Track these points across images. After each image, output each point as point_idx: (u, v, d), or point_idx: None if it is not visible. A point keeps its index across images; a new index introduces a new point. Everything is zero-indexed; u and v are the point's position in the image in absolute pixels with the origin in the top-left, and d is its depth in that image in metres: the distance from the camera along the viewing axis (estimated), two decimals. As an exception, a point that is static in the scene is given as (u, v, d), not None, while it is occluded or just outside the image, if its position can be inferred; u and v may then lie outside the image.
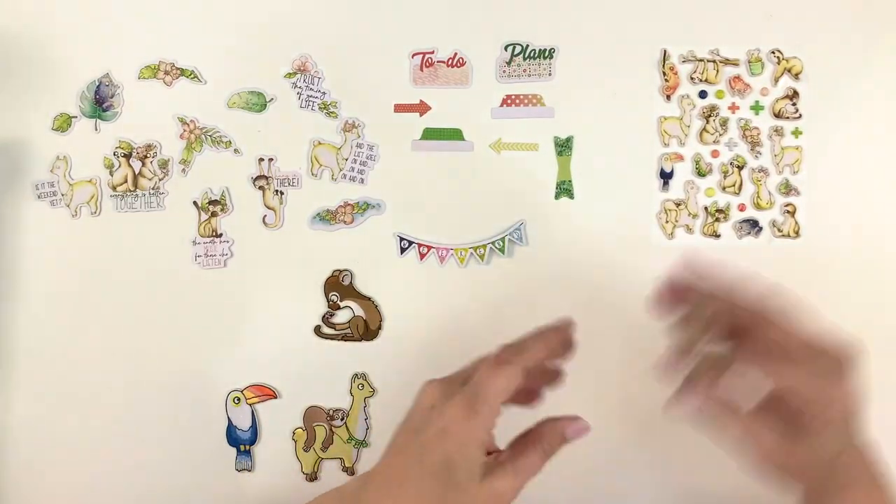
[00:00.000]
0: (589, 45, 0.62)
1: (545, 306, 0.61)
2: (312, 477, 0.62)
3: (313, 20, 0.63)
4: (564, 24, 0.62)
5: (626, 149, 0.61)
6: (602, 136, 0.61)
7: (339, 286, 0.62)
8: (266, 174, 0.62)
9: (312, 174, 0.62)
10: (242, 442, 0.62)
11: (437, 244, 0.62)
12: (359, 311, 0.62)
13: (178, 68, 0.63)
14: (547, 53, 0.62)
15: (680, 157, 0.60)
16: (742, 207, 0.60)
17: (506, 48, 0.62)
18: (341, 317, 0.62)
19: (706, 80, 0.60)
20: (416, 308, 0.62)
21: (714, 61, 0.60)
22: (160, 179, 0.63)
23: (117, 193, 0.63)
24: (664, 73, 0.60)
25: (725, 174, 0.60)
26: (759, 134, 0.60)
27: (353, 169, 0.62)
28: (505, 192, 0.61)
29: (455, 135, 0.62)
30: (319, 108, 0.62)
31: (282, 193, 0.62)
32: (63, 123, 0.63)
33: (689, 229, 0.60)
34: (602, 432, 0.62)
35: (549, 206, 0.61)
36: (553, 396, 0.61)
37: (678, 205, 0.60)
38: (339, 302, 0.62)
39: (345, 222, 0.62)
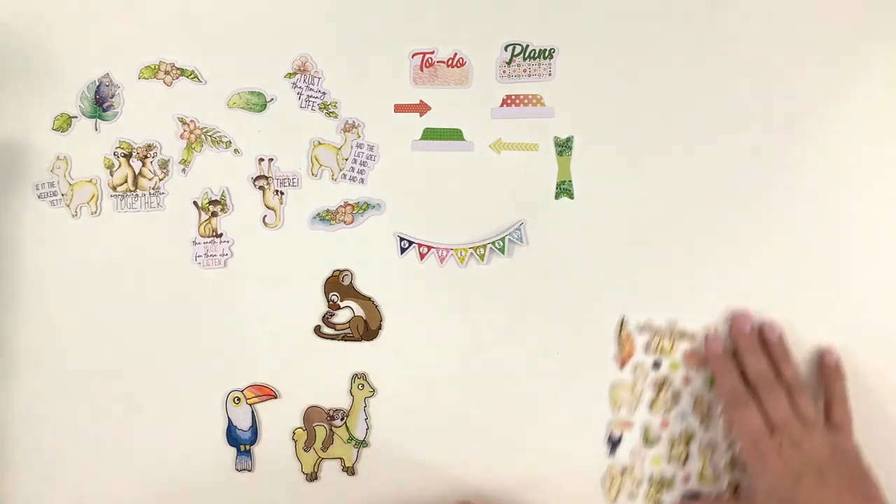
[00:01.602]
0: (589, 46, 0.62)
1: (545, 306, 0.62)
2: (312, 477, 0.62)
3: (313, 20, 0.63)
4: (564, 24, 0.62)
5: (626, 149, 0.61)
6: (602, 136, 0.61)
7: (339, 286, 0.62)
8: (266, 174, 0.62)
9: (312, 174, 0.62)
10: (242, 442, 0.62)
11: (437, 244, 0.62)
12: (359, 311, 0.62)
13: (178, 68, 0.63)
14: (547, 53, 0.62)
15: (629, 425, 0.60)
16: (686, 479, 0.60)
17: (506, 48, 0.62)
18: (341, 317, 0.62)
19: (661, 352, 0.60)
20: (416, 308, 0.62)
21: (671, 333, 0.60)
22: (160, 179, 0.63)
23: (117, 193, 0.63)
24: (620, 341, 0.60)
25: (673, 445, 0.60)
26: (710, 408, 0.60)
27: (353, 169, 0.62)
28: (505, 192, 0.62)
29: (455, 135, 0.62)
30: (319, 108, 0.62)
31: (282, 193, 0.62)
32: (63, 123, 0.63)
33: (632, 496, 0.60)
34: (599, 432, 0.62)
35: (549, 206, 0.61)
36: (550, 395, 0.61)
37: (623, 472, 0.60)
38: (339, 302, 0.62)
39: (345, 222, 0.62)
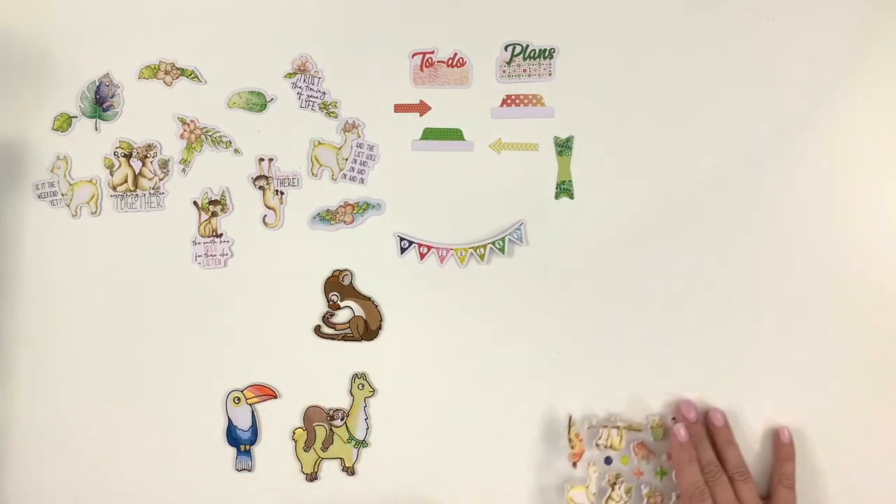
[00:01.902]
0: (589, 46, 0.62)
1: (545, 306, 0.62)
2: (312, 477, 0.62)
3: (313, 20, 0.63)
4: (564, 24, 0.62)
5: (626, 149, 0.61)
6: (602, 136, 0.61)
7: (339, 286, 0.62)
8: (266, 174, 0.62)
9: (312, 174, 0.62)
10: (242, 442, 0.62)
11: (437, 244, 0.62)
12: (359, 311, 0.62)
13: (178, 68, 0.63)
14: (547, 53, 0.61)
15: None
16: None
17: (506, 48, 0.62)
18: (341, 317, 0.62)
19: (611, 447, 0.59)
20: (416, 308, 0.62)
21: (618, 427, 0.59)
22: (160, 179, 0.63)
23: (117, 193, 0.63)
24: (570, 439, 0.59)
25: None
26: (662, 500, 0.60)
27: (353, 169, 0.62)
28: (505, 192, 0.61)
29: (455, 135, 0.62)
30: (319, 108, 0.62)
31: (282, 193, 0.62)
32: (63, 123, 0.63)
33: None
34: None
35: (549, 206, 0.61)
36: (553, 392, 0.61)
37: None
38: (339, 302, 0.62)
39: (345, 222, 0.62)
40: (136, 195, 0.63)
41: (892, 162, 0.61)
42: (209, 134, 0.63)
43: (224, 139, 0.63)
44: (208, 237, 0.62)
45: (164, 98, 0.63)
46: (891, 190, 0.61)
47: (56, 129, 0.63)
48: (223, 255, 0.62)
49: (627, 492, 0.60)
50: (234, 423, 0.62)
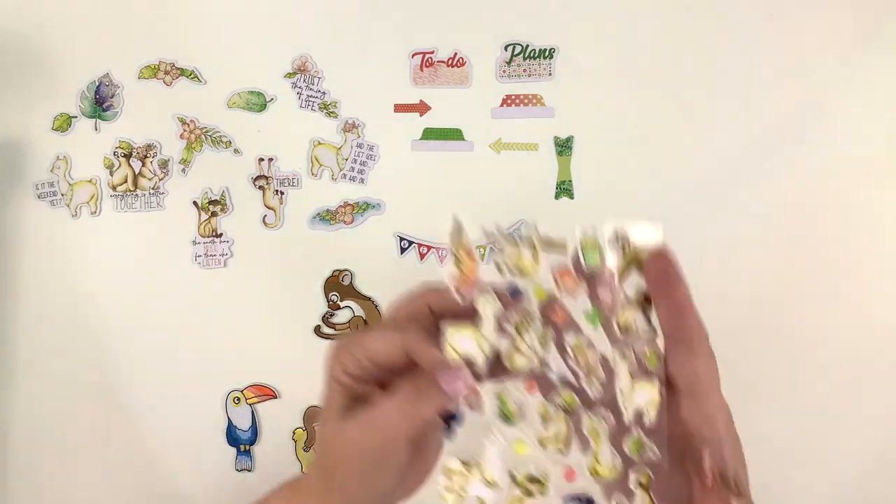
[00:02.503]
0: (589, 45, 0.62)
1: (545, 306, 0.61)
2: (312, 477, 0.62)
3: (313, 20, 0.63)
4: (564, 23, 0.62)
5: (626, 149, 0.61)
6: (602, 136, 0.61)
7: (339, 286, 0.62)
8: (266, 174, 0.62)
9: (312, 174, 0.62)
10: (242, 442, 0.62)
11: (437, 244, 0.62)
12: (359, 311, 0.62)
13: (177, 68, 0.63)
14: (547, 53, 0.61)
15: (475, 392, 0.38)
16: (570, 475, 0.38)
17: (506, 48, 0.62)
18: (341, 317, 0.62)
19: (520, 271, 0.39)
20: (416, 308, 0.62)
21: (532, 242, 0.39)
22: (160, 179, 0.63)
23: (117, 193, 0.63)
24: (455, 256, 0.40)
25: (545, 419, 0.39)
26: (598, 363, 0.39)
27: (353, 169, 0.62)
28: (505, 192, 0.61)
29: (455, 135, 0.62)
30: (319, 108, 0.62)
31: (282, 193, 0.62)
32: (63, 123, 0.63)
33: None
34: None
35: (549, 206, 0.61)
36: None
37: (467, 466, 0.39)
38: (339, 302, 0.62)
39: (345, 222, 0.62)
40: (136, 195, 0.63)
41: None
42: (209, 134, 0.63)
43: (224, 139, 0.63)
44: (208, 237, 0.62)
45: (163, 98, 0.63)
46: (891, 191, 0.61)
47: (56, 129, 0.63)
48: (223, 255, 0.62)
49: (542, 341, 0.38)
50: (234, 423, 0.62)
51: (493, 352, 0.38)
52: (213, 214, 0.62)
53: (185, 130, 0.63)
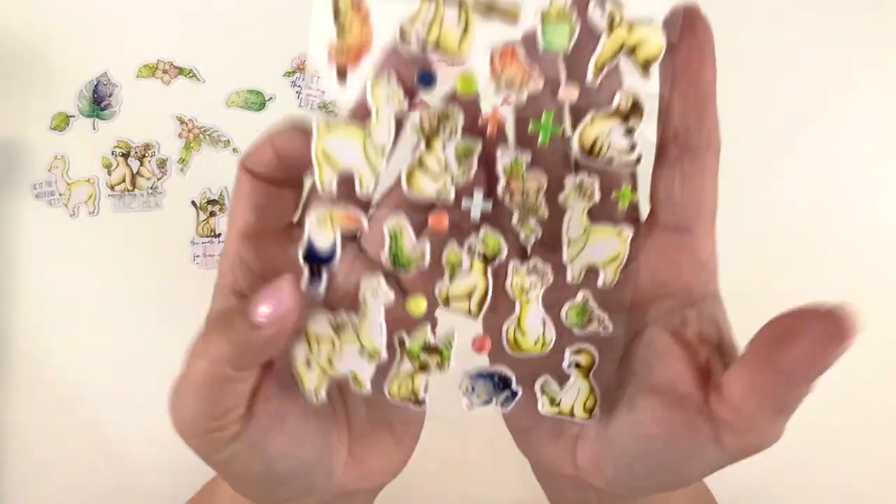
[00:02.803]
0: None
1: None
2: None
3: (312, 18, 0.63)
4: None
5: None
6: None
7: (338, 286, 0.61)
8: (265, 174, 0.62)
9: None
10: (241, 443, 0.62)
11: (437, 244, 0.61)
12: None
13: (176, 67, 0.63)
14: (548, 52, 0.61)
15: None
16: (482, 345, 0.31)
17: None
18: (341, 317, 0.62)
19: (439, 46, 0.28)
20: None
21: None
22: (158, 179, 0.63)
23: (115, 193, 0.63)
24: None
25: (454, 269, 0.29)
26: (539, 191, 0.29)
27: (352, 168, 0.62)
28: (505, 191, 0.61)
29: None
30: (319, 106, 0.62)
31: (281, 193, 0.62)
32: (61, 123, 0.63)
33: None
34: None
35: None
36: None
37: (338, 330, 0.30)
38: (338, 302, 0.61)
39: (344, 222, 0.62)
40: (135, 195, 0.63)
41: None
42: (208, 133, 0.62)
43: (223, 138, 0.62)
44: (207, 237, 0.62)
45: (162, 97, 0.63)
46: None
47: (54, 129, 0.63)
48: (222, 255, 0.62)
49: (462, 156, 0.28)
50: (233, 424, 0.62)
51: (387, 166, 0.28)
52: (212, 214, 0.62)
53: (183, 130, 0.63)
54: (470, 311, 0.29)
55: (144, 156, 0.63)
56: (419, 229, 0.28)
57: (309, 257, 0.28)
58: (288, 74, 0.62)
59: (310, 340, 0.29)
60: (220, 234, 0.62)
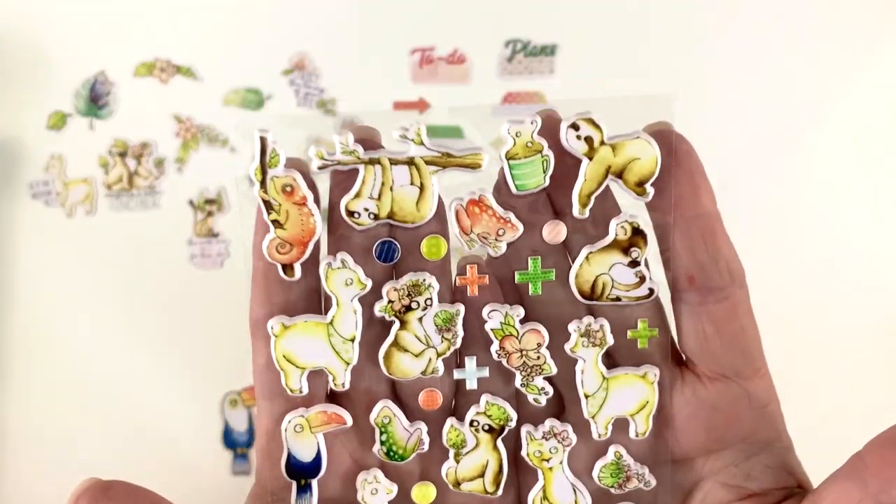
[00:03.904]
0: (590, 42, 0.61)
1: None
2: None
3: (311, 16, 0.62)
4: (565, 20, 0.61)
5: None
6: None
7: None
8: (263, 173, 0.62)
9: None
10: (239, 445, 0.61)
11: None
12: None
13: (173, 65, 0.62)
14: (548, 50, 0.61)
15: None
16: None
17: (506, 45, 0.61)
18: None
19: (395, 214, 0.25)
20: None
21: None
22: (156, 178, 0.62)
23: (112, 192, 0.62)
24: None
25: (458, 449, 0.26)
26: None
27: (351, 167, 0.62)
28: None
29: (455, 133, 0.62)
30: (317, 105, 0.62)
31: (279, 192, 0.62)
32: (58, 122, 0.63)
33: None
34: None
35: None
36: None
37: None
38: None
39: (343, 222, 0.61)
40: (132, 194, 0.62)
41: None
42: (205, 132, 0.62)
43: (220, 137, 0.62)
44: (204, 237, 0.62)
45: (159, 96, 0.62)
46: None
47: (51, 128, 0.63)
48: (220, 255, 0.62)
49: (446, 323, 0.25)
50: (231, 425, 0.61)
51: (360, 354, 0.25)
52: (210, 214, 0.62)
53: (180, 129, 0.62)
54: (486, 490, 0.25)
55: (142, 155, 0.62)
56: (409, 409, 0.25)
57: (291, 472, 0.25)
58: (286, 72, 0.62)
59: None
60: (217, 234, 0.62)
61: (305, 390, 0.25)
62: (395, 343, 0.24)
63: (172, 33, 0.63)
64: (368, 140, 0.24)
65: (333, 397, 0.25)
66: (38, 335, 0.62)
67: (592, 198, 0.24)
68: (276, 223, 0.25)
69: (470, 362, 0.25)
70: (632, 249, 0.24)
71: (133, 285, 0.62)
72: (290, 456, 0.25)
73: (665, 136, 0.23)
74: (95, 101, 0.63)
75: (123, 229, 0.62)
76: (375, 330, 0.24)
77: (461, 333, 0.24)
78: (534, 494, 0.25)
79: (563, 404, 0.25)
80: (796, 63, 0.61)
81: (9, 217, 0.62)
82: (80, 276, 0.62)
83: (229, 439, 0.61)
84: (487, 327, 0.24)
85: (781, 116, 0.61)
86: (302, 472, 0.25)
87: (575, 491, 0.25)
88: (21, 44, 0.63)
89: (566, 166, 0.24)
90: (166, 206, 0.62)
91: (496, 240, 0.24)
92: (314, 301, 0.25)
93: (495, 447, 0.25)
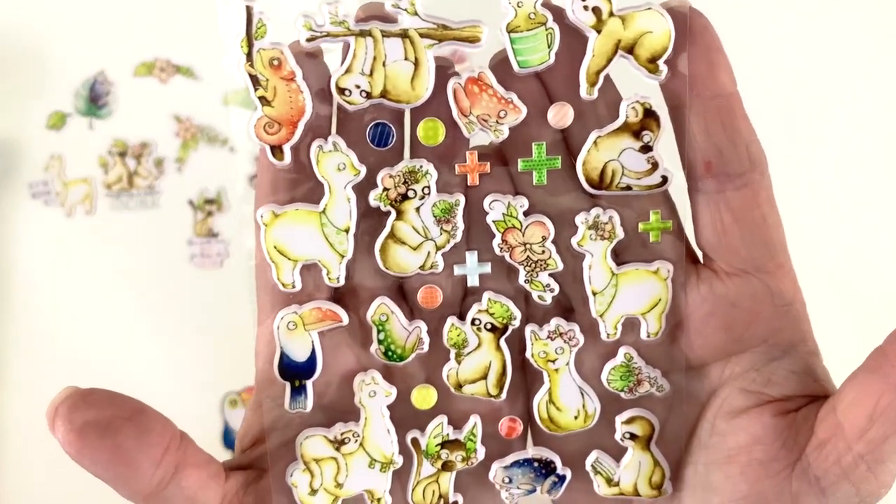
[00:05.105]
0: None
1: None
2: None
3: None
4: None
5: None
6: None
7: (337, 287, 0.61)
8: (263, 173, 0.62)
9: (310, 173, 0.62)
10: (239, 445, 0.61)
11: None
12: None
13: (173, 65, 0.62)
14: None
15: None
16: (512, 429, 0.26)
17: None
18: (340, 318, 0.61)
19: (389, 92, 0.23)
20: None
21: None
22: (155, 178, 0.62)
23: (112, 192, 0.62)
24: None
25: (460, 350, 0.25)
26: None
27: (351, 168, 0.62)
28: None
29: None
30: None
31: (279, 192, 0.62)
32: (58, 121, 0.63)
33: None
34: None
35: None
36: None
37: (338, 444, 0.26)
38: (337, 302, 0.61)
39: (343, 222, 0.61)
40: (131, 194, 0.62)
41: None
42: (205, 132, 0.62)
43: (220, 137, 0.62)
44: (204, 237, 0.62)
45: (159, 96, 0.62)
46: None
47: (50, 128, 0.63)
48: (219, 255, 0.62)
49: (445, 214, 0.23)
50: (231, 426, 0.61)
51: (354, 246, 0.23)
52: (210, 214, 0.62)
53: (180, 129, 0.62)
54: (489, 393, 0.24)
55: (141, 155, 0.62)
56: (409, 304, 0.24)
57: (285, 373, 0.24)
58: (286, 73, 0.62)
59: (308, 465, 0.24)
60: (217, 234, 0.62)
61: (298, 285, 0.23)
62: (392, 235, 0.23)
63: (172, 33, 0.63)
64: (374, 16, 0.22)
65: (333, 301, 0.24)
66: (38, 335, 0.62)
67: (601, 76, 0.22)
68: (264, 100, 0.24)
69: (471, 257, 0.23)
70: (643, 133, 0.23)
71: (133, 285, 0.62)
72: (283, 355, 0.24)
73: (679, 11, 0.21)
74: (95, 100, 0.63)
75: (123, 229, 0.62)
76: (371, 222, 0.23)
77: (461, 226, 0.23)
78: (539, 398, 0.24)
79: (571, 307, 0.24)
80: (801, 60, 0.61)
81: (8, 217, 0.62)
82: (80, 276, 0.62)
83: (229, 439, 0.61)
84: (489, 219, 0.23)
85: (783, 115, 0.61)
86: (296, 372, 0.24)
87: (582, 394, 0.24)
88: (21, 44, 0.63)
89: (572, 43, 0.22)
90: (166, 206, 0.62)
91: (497, 122, 0.22)
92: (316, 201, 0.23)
93: (498, 347, 0.24)
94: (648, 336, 0.23)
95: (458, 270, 0.23)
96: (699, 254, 0.24)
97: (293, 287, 0.23)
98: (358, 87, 0.22)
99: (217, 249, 0.62)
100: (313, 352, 0.24)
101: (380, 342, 0.24)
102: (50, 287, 0.62)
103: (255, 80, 0.24)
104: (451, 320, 0.24)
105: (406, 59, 0.22)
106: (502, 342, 0.24)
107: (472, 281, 0.24)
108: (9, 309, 0.62)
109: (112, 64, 0.63)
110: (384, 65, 0.22)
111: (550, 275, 0.23)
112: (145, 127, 0.63)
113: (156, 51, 0.63)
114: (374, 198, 0.23)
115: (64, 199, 0.62)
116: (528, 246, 0.23)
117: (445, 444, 0.24)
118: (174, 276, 0.62)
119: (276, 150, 0.23)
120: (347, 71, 0.22)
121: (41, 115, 0.63)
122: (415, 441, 0.24)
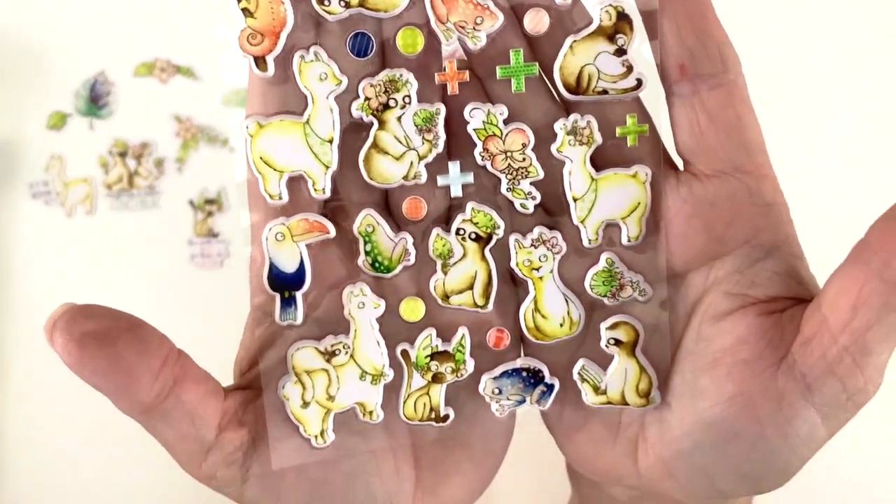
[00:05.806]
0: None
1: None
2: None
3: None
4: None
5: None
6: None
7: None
8: (263, 173, 0.62)
9: (310, 173, 0.62)
10: (239, 444, 0.61)
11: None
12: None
13: (173, 65, 0.62)
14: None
15: None
16: (499, 339, 0.26)
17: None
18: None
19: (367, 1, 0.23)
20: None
21: None
22: (156, 178, 0.62)
23: (112, 193, 0.62)
24: None
25: (446, 259, 0.25)
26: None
27: (351, 168, 0.62)
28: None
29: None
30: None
31: (279, 192, 0.62)
32: (58, 122, 0.63)
33: None
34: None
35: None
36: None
37: (329, 356, 0.27)
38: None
39: (343, 222, 0.61)
40: (132, 194, 0.62)
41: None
42: (205, 132, 0.62)
43: (220, 137, 0.62)
44: (204, 237, 0.62)
45: (159, 96, 0.62)
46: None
47: (51, 128, 0.63)
48: (219, 255, 0.62)
49: (426, 123, 0.24)
50: (231, 425, 0.61)
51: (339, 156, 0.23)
52: (210, 214, 0.62)
53: (180, 129, 0.62)
54: (476, 303, 0.24)
55: (142, 155, 0.62)
56: (395, 219, 0.24)
57: (275, 284, 0.25)
58: (286, 73, 0.62)
59: (300, 377, 0.25)
60: (217, 234, 0.62)
61: (285, 196, 0.24)
62: (375, 145, 0.23)
63: (172, 33, 0.63)
64: None
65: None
66: (38, 335, 0.62)
67: None
68: (246, 11, 0.25)
69: (453, 167, 0.24)
70: (618, 36, 0.23)
71: (133, 285, 0.62)
72: (272, 266, 0.25)
73: None
74: (95, 101, 0.63)
75: (123, 229, 0.62)
76: (356, 136, 0.23)
77: (443, 136, 0.23)
78: (525, 306, 0.24)
79: (554, 218, 0.24)
80: (802, 60, 0.61)
81: (9, 217, 0.62)
82: (80, 276, 0.62)
83: (229, 439, 0.61)
84: (470, 128, 0.23)
85: (784, 115, 0.61)
86: (285, 283, 0.25)
87: (567, 301, 0.24)
88: (21, 44, 0.63)
89: None
90: (166, 206, 0.62)
91: (474, 29, 0.22)
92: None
93: (483, 257, 0.24)
94: (629, 240, 0.24)
95: (441, 181, 0.24)
96: (679, 163, 0.24)
97: (280, 198, 0.24)
98: None
99: (217, 249, 0.62)
100: (302, 263, 0.24)
101: (367, 253, 0.24)
102: (50, 287, 0.62)
103: None
104: (437, 230, 0.24)
105: None
106: (487, 252, 0.24)
107: (456, 191, 0.24)
108: (9, 309, 0.62)
109: (112, 64, 0.63)
110: None
111: (532, 183, 0.24)
112: (145, 127, 0.63)
113: (156, 51, 0.63)
114: (356, 108, 0.23)
115: (64, 200, 0.62)
116: (508, 154, 0.23)
117: (435, 355, 0.25)
118: (174, 276, 0.62)
119: (260, 61, 0.24)
120: None
121: (41, 115, 0.63)
122: (405, 353, 0.25)
